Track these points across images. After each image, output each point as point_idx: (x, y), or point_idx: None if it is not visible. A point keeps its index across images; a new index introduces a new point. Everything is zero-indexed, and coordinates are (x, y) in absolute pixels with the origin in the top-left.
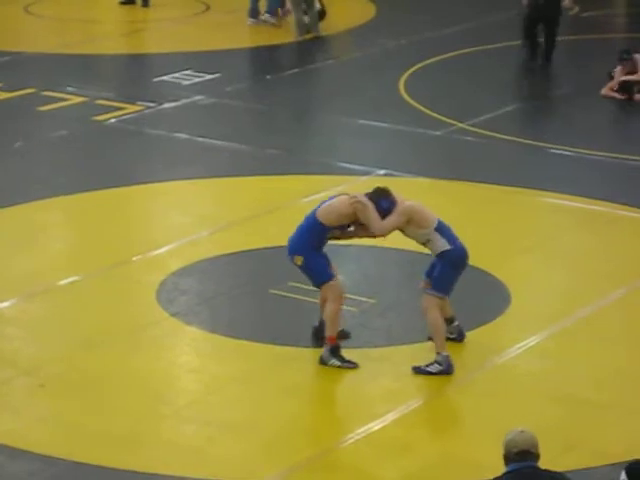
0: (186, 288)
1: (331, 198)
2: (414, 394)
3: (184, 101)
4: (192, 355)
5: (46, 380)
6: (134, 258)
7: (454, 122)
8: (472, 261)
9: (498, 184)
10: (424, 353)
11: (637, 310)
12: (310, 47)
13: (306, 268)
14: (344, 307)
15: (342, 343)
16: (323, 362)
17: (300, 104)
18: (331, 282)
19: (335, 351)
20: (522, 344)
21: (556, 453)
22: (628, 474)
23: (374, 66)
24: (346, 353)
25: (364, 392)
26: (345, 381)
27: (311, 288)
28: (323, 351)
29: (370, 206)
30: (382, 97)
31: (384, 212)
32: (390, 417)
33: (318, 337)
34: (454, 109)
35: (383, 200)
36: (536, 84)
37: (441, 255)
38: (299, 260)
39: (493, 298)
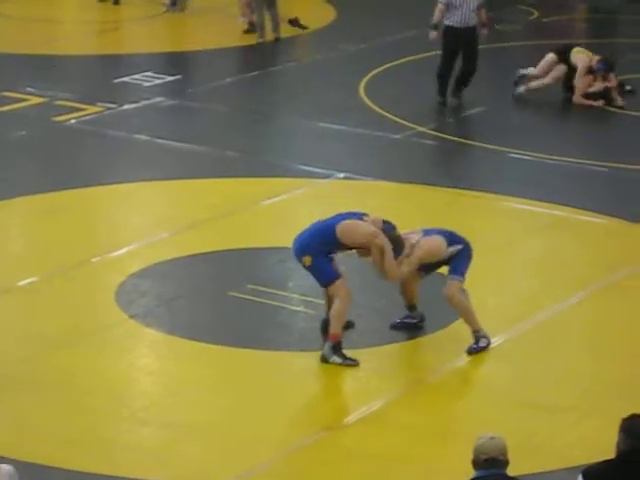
0: (145, 290)
1: (355, 214)
2: (374, 396)
3: (145, 102)
4: (151, 357)
5: (4, 381)
6: (93, 259)
7: (414, 126)
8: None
9: (457, 188)
10: (384, 357)
11: (595, 314)
12: (271, 49)
13: (314, 268)
14: (306, 310)
15: (301, 346)
16: (324, 359)
17: (261, 106)
18: (339, 281)
19: (337, 348)
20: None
21: (514, 456)
22: (585, 477)
23: (335, 69)
24: (306, 356)
25: (324, 395)
26: (305, 384)
27: (271, 290)
28: (325, 347)
29: (389, 251)
30: (342, 100)
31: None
32: (350, 420)
33: (326, 333)
34: (414, 113)
35: (397, 248)
36: (496, 87)
37: (455, 254)
38: (308, 260)
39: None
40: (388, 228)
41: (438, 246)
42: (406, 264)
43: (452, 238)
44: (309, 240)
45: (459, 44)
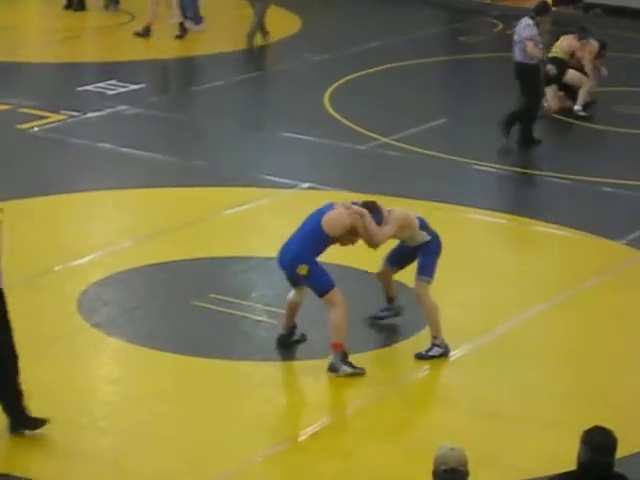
0: (108, 299)
1: (328, 207)
2: (335, 407)
3: (108, 111)
4: (112, 366)
5: None
6: (56, 268)
7: (378, 137)
8: (396, 276)
9: (421, 199)
10: None
11: (558, 326)
12: (235, 59)
13: (311, 278)
14: (269, 320)
15: (263, 356)
16: (333, 370)
17: (225, 116)
18: (335, 289)
19: (345, 358)
20: (442, 358)
21: (475, 467)
22: None
23: (299, 79)
24: (268, 366)
25: (286, 405)
26: (265, 394)
27: (233, 300)
28: (331, 359)
29: (368, 216)
30: (307, 110)
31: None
32: (310, 430)
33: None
34: (378, 124)
35: (376, 214)
36: (461, 99)
37: (423, 245)
38: (304, 269)
39: (413, 313)
40: (357, 204)
41: (411, 218)
42: (389, 224)
43: (422, 223)
44: (300, 248)
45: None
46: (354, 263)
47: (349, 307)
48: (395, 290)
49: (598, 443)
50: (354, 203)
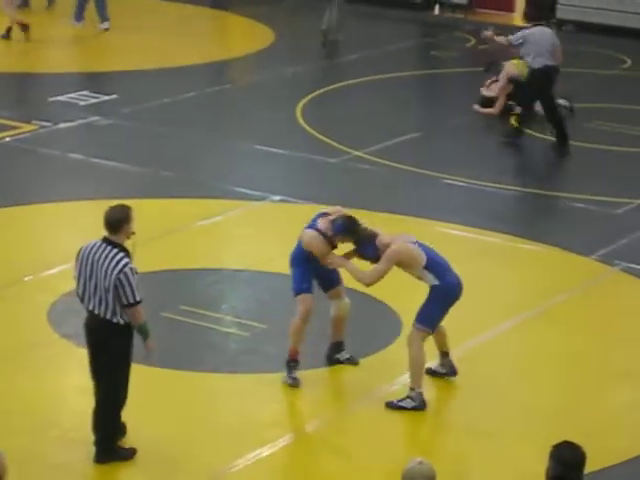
0: (77, 309)
1: (319, 216)
2: (305, 420)
3: (80, 121)
4: (82, 377)
5: None
6: (26, 278)
7: (350, 150)
8: (366, 289)
9: (393, 213)
10: (315, 379)
11: (526, 341)
12: (208, 71)
13: (292, 276)
14: (239, 332)
15: (233, 368)
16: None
17: (197, 127)
18: (302, 296)
19: (290, 365)
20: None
21: None
22: None
23: (272, 92)
24: (238, 378)
25: (254, 417)
26: (235, 406)
27: (203, 312)
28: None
29: (349, 265)
30: (279, 123)
31: (371, 257)
32: (280, 443)
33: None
34: (350, 137)
35: (367, 247)
36: (432, 114)
37: (430, 288)
38: (290, 269)
39: (385, 326)
40: (337, 228)
41: (417, 252)
42: (381, 262)
43: (430, 264)
44: (295, 250)
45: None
46: None
47: (322, 321)
48: (447, 343)
49: (567, 458)
50: (322, 214)
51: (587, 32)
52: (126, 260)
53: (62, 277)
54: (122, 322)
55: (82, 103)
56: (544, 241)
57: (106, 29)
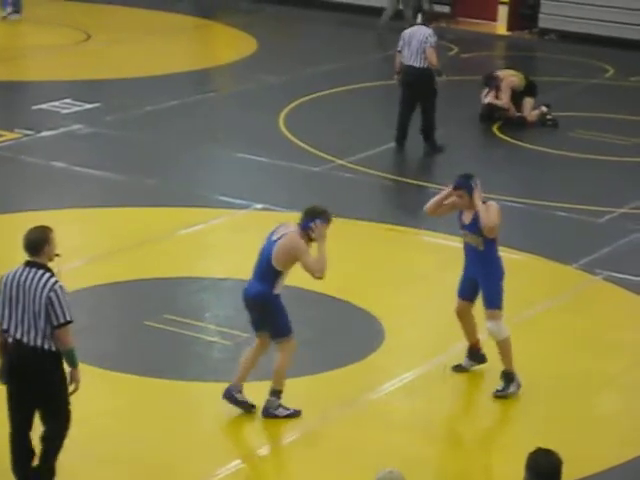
0: None
1: (270, 240)
2: (287, 429)
3: (63, 130)
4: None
5: None
6: None
7: (333, 159)
8: (348, 297)
9: (375, 221)
10: (296, 388)
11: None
12: (191, 79)
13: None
14: (222, 341)
15: (216, 376)
16: (269, 414)
17: (180, 136)
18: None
19: (279, 399)
20: (395, 380)
21: None
22: None
23: (255, 100)
24: (221, 387)
25: (237, 426)
26: (218, 415)
27: (186, 321)
28: (268, 403)
29: (323, 247)
30: (262, 132)
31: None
32: (262, 452)
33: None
34: (333, 146)
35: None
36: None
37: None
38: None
39: (368, 334)
40: (304, 225)
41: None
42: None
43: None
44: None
45: None
46: (298, 282)
47: (302, 328)
48: (476, 335)
49: (543, 466)
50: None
51: (569, 41)
52: (55, 279)
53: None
54: (54, 348)
55: (65, 111)
56: (526, 250)
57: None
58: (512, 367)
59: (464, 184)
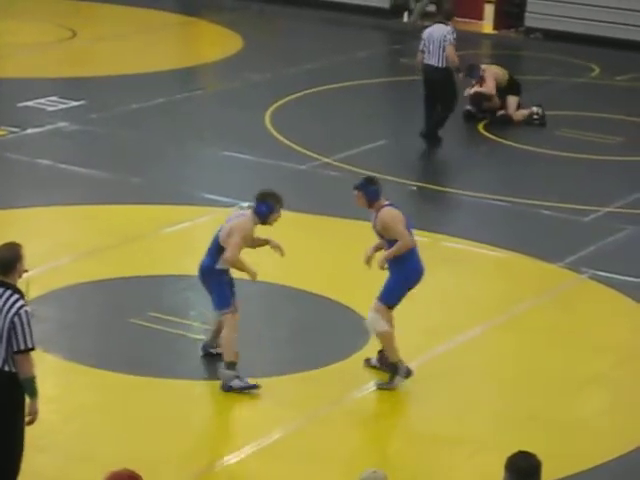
0: (45, 316)
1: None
2: (273, 427)
3: (48, 127)
4: (50, 384)
5: None
6: None
7: (319, 157)
8: (333, 295)
9: (361, 219)
10: (285, 387)
11: (491, 348)
12: (177, 77)
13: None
14: (204, 338)
15: (201, 374)
16: (227, 388)
17: (166, 134)
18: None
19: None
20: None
21: None
22: None
23: (240, 98)
24: (205, 385)
25: (223, 424)
26: (204, 413)
27: (172, 318)
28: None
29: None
30: (248, 130)
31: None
32: (248, 450)
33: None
34: (319, 144)
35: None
36: (403, 121)
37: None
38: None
39: (353, 333)
40: (260, 210)
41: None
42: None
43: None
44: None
45: None
46: (282, 280)
47: (288, 327)
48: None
49: (522, 468)
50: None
51: (555, 40)
52: (22, 302)
53: (29, 283)
54: (14, 370)
55: (51, 109)
56: (512, 248)
57: None
58: (396, 359)
59: (360, 186)
